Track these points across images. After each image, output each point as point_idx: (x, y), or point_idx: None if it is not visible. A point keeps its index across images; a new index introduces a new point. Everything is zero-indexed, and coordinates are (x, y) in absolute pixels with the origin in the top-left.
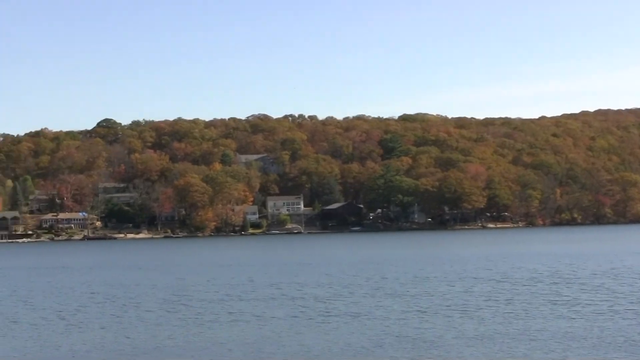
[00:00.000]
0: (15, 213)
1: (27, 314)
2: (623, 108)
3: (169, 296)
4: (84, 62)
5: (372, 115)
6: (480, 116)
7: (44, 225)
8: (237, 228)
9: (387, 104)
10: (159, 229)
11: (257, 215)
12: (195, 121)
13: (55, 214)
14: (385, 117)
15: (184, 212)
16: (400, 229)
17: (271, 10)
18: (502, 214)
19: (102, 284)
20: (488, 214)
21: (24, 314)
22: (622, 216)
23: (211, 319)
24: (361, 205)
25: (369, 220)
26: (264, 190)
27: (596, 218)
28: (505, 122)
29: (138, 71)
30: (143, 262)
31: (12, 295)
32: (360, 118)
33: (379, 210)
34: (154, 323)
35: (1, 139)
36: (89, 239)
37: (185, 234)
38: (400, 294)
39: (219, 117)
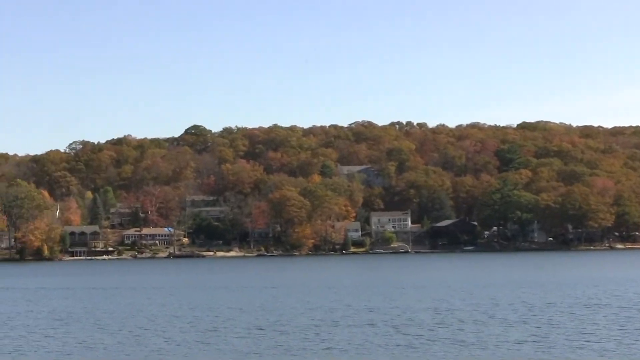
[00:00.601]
0: (95, 228)
1: (102, 338)
2: None
3: (258, 321)
4: (171, 64)
5: (488, 123)
6: (608, 125)
7: (126, 241)
8: (337, 246)
9: (504, 110)
10: (252, 246)
11: (359, 233)
12: (292, 128)
13: (138, 229)
14: (502, 125)
15: (279, 228)
16: (517, 249)
17: (380, 13)
18: (632, 233)
19: (186, 307)
20: (616, 234)
21: (99, 337)
22: None
23: (303, 346)
24: (475, 223)
25: (483, 239)
26: (368, 205)
27: None
28: (637, 131)
29: (230, 74)
30: (232, 283)
31: (88, 318)
32: (474, 126)
33: (495, 228)
34: (240, 351)
35: (80, 146)
36: (175, 256)
37: (280, 252)
38: (513, 322)
39: (318, 125)
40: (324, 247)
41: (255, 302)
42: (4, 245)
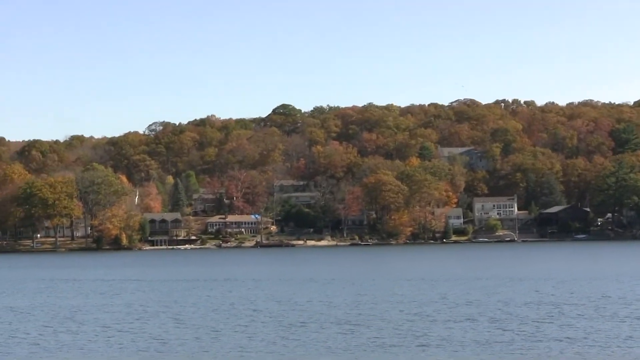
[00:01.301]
0: (177, 215)
1: (180, 333)
2: None
3: (348, 315)
4: (257, 39)
5: (602, 101)
6: None
7: (210, 230)
8: (437, 235)
9: (620, 87)
10: (345, 235)
11: (461, 220)
12: (388, 107)
13: (222, 216)
14: (617, 103)
15: (374, 215)
16: (634, 238)
17: None
18: None
19: (270, 300)
20: None
21: (173, 333)
22: None
23: (394, 343)
24: (587, 209)
25: (596, 226)
26: (470, 190)
27: None
28: None
29: (321, 50)
30: (322, 274)
31: (165, 312)
32: (587, 104)
33: (609, 215)
34: (327, 347)
35: (161, 128)
36: (262, 245)
37: (376, 241)
38: (624, 317)
39: (416, 103)
40: (423, 236)
41: (345, 295)
42: (79, 234)
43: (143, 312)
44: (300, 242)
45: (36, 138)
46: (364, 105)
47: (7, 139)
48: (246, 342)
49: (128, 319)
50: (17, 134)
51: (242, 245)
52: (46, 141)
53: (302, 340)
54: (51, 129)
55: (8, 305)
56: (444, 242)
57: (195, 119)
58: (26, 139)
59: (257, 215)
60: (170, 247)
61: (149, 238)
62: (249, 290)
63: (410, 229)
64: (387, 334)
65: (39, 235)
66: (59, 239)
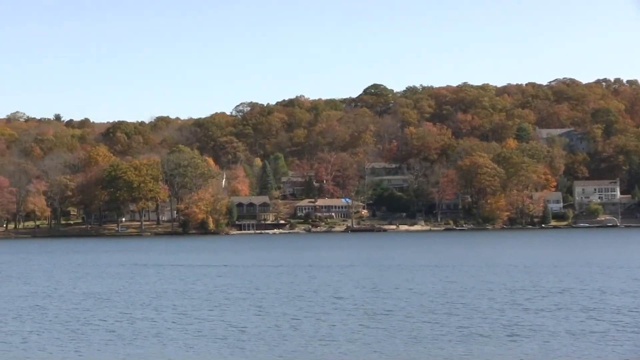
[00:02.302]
0: (265, 198)
1: (258, 321)
2: None
3: (432, 303)
4: (346, 15)
5: None
6: None
7: (299, 214)
8: (535, 219)
9: None
10: (439, 219)
11: (560, 204)
12: (484, 87)
13: (312, 199)
14: None
15: (469, 199)
16: None
17: None
18: None
19: (355, 287)
20: None
21: (254, 320)
22: None
23: (483, 333)
24: None
25: None
26: (570, 174)
27: None
28: None
29: (413, 26)
30: (412, 260)
31: (245, 299)
32: None
33: None
34: (412, 337)
35: (248, 108)
36: (353, 230)
37: (471, 226)
38: None
39: (513, 83)
40: (521, 221)
41: (434, 282)
42: (165, 218)
43: (224, 299)
44: (393, 226)
45: (121, 119)
46: (459, 84)
47: (91, 120)
48: (327, 331)
49: (208, 305)
50: (101, 115)
51: (332, 229)
52: (131, 122)
53: (386, 330)
54: (136, 110)
55: (88, 290)
56: (543, 228)
57: (284, 100)
58: (111, 121)
59: (347, 199)
60: (258, 231)
61: (237, 222)
62: (335, 277)
63: (507, 213)
64: (475, 324)
65: (124, 219)
66: (144, 223)
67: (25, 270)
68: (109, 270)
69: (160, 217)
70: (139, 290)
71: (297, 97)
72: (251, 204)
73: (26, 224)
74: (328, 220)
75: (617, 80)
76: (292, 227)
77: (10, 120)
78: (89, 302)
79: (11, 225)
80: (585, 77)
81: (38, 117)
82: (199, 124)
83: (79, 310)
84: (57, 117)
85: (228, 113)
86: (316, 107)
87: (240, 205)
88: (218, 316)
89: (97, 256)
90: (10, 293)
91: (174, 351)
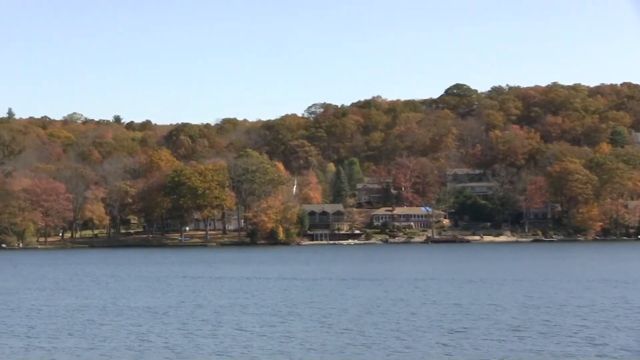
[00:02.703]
0: (339, 206)
1: (325, 338)
2: None
3: (516, 320)
4: (429, 14)
5: None
6: None
7: (375, 223)
8: (631, 230)
9: None
10: (526, 229)
11: None
12: (575, 87)
13: (389, 208)
14: None
15: (559, 208)
16: None
17: None
18: None
19: (431, 302)
20: None
21: (320, 338)
22: None
23: (569, 352)
24: None
25: None
26: None
27: None
28: None
29: (498, 23)
30: (495, 274)
31: (313, 314)
32: None
33: None
34: (487, 354)
35: (321, 110)
36: (433, 241)
37: (561, 237)
38: None
39: (607, 82)
40: (615, 231)
41: (515, 298)
42: (232, 227)
43: (288, 314)
44: (476, 237)
45: (185, 121)
46: (548, 84)
47: (153, 122)
48: (399, 347)
49: (272, 321)
50: (164, 117)
51: (411, 240)
52: (196, 125)
53: (462, 348)
54: (201, 112)
55: (146, 304)
56: (639, 239)
57: (359, 101)
58: (174, 123)
59: (427, 208)
60: (332, 242)
61: (308, 232)
62: (411, 291)
63: (601, 223)
64: (558, 342)
65: (187, 229)
66: (209, 232)
67: (81, 282)
68: (169, 283)
69: (226, 226)
70: (200, 305)
71: (373, 97)
72: (324, 213)
73: (83, 233)
74: (406, 230)
75: None
76: (367, 237)
77: (67, 122)
78: (146, 317)
79: (67, 234)
80: None
81: (96, 119)
82: (268, 126)
83: (135, 326)
84: (117, 119)
85: (300, 115)
86: (394, 109)
87: (312, 213)
88: (283, 333)
89: (158, 268)
90: (65, 307)
91: None
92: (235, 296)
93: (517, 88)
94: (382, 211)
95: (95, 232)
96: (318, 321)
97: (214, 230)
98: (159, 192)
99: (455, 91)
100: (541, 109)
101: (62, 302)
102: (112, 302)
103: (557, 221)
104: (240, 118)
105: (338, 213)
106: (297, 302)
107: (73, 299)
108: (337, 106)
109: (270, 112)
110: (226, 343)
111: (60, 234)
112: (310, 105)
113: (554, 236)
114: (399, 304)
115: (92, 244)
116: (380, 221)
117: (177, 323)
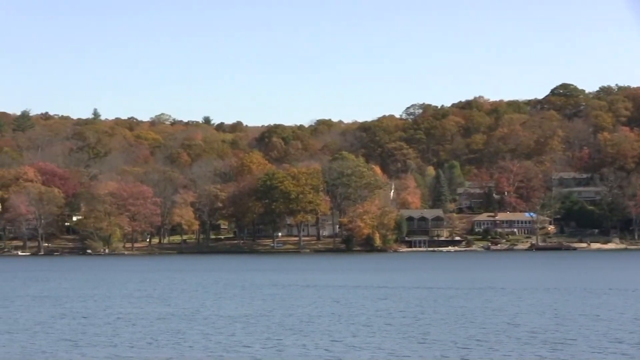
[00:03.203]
0: (439, 212)
1: (421, 350)
2: None
3: (620, 332)
4: (530, 6)
5: None
6: None
7: (477, 229)
8: None
9: None
10: (636, 237)
11: None
12: None
13: (492, 214)
14: None
15: None
16: None
17: None
18: None
19: (534, 312)
20: None
21: (416, 350)
22: None
23: None
24: None
25: None
26: None
27: None
28: None
29: (604, 22)
30: (601, 283)
31: (409, 324)
32: None
33: None
34: None
35: (420, 111)
36: (538, 248)
37: None
38: None
39: None
40: None
41: (625, 308)
42: (326, 233)
43: (385, 325)
44: (583, 244)
45: (277, 123)
46: None
47: (244, 124)
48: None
49: (366, 332)
50: (256, 118)
51: (514, 247)
52: (289, 126)
53: None
54: (294, 113)
55: (234, 313)
56: None
57: (460, 101)
58: (266, 124)
59: (532, 214)
60: (431, 248)
61: (406, 238)
62: (513, 301)
63: None
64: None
65: (280, 234)
66: (303, 238)
67: (168, 289)
68: (260, 291)
69: (320, 231)
70: (290, 314)
71: (475, 98)
72: (423, 218)
73: (172, 238)
74: (510, 237)
75: None
76: (468, 244)
77: (155, 123)
78: (234, 326)
79: (155, 240)
80: None
81: (185, 120)
82: (364, 128)
83: (222, 336)
84: (207, 120)
85: (397, 116)
86: (497, 110)
87: (410, 219)
88: (377, 344)
89: (249, 275)
90: (149, 315)
91: None
92: (328, 305)
93: (627, 88)
94: (483, 217)
95: (184, 237)
96: (418, 331)
97: (307, 236)
98: (250, 197)
99: (561, 91)
100: None
101: (145, 311)
102: (198, 310)
103: None
104: (335, 119)
105: (437, 219)
106: (392, 311)
107: (160, 307)
108: (436, 107)
109: (366, 113)
110: (316, 354)
111: (148, 240)
112: (408, 105)
113: None
114: (501, 314)
115: (181, 249)
116: (482, 227)
117: (267, 333)
